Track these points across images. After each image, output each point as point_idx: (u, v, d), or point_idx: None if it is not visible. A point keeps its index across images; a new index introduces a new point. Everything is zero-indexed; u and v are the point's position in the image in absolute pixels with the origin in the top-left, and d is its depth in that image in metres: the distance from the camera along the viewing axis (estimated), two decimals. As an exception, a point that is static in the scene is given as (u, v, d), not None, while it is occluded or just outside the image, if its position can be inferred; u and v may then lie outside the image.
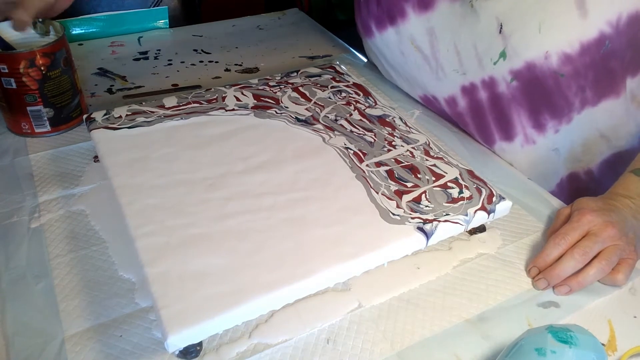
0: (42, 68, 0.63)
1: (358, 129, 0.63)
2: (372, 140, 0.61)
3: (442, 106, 0.72)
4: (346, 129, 0.63)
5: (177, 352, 0.43)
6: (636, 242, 0.52)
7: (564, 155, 0.66)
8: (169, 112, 0.65)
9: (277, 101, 0.68)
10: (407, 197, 0.53)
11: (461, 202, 0.53)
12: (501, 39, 0.60)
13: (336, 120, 0.65)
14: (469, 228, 0.52)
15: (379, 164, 0.58)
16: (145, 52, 0.91)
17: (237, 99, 0.68)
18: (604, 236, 0.50)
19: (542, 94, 0.60)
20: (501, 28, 0.59)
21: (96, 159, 0.65)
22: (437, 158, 0.59)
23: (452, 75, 0.67)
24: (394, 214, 0.51)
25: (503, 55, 0.60)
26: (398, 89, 0.81)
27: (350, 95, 0.70)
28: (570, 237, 0.51)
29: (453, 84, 0.68)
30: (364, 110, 0.67)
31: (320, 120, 0.65)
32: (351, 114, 0.66)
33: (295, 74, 0.74)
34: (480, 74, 0.64)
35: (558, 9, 0.56)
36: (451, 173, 0.56)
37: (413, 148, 0.60)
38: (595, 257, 0.50)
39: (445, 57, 0.66)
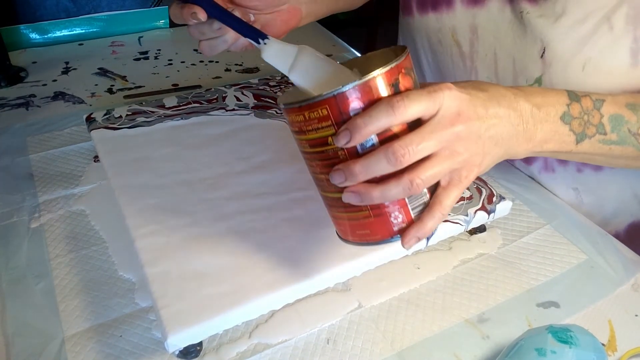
0: None
1: (358, 128, 0.63)
2: (372, 140, 0.61)
3: None
4: (346, 128, 0.63)
5: (177, 352, 0.43)
6: (485, 158, 0.40)
7: (586, 203, 0.62)
8: (169, 112, 0.65)
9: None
10: (407, 197, 0.53)
11: (461, 202, 0.53)
12: (541, 63, 0.55)
13: (336, 120, 0.65)
14: (469, 228, 0.52)
15: (379, 164, 0.58)
16: (146, 52, 0.91)
17: (237, 99, 0.68)
18: (448, 135, 0.36)
19: None
20: (544, 52, 0.54)
21: (96, 159, 0.65)
22: (437, 158, 0.59)
23: (484, 81, 0.63)
24: (394, 214, 0.51)
25: (539, 81, 0.55)
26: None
27: (351, 95, 0.70)
28: (409, 108, 0.35)
29: None
30: (364, 110, 0.67)
31: (321, 120, 0.65)
32: (351, 114, 0.66)
33: (295, 73, 0.74)
34: None
35: (610, 51, 0.51)
36: (451, 173, 0.56)
37: (413, 148, 0.60)
38: (423, 161, 0.36)
39: (482, 62, 0.62)
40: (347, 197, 0.37)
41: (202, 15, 0.45)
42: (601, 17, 0.51)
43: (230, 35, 0.48)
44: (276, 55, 0.45)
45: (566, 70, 0.53)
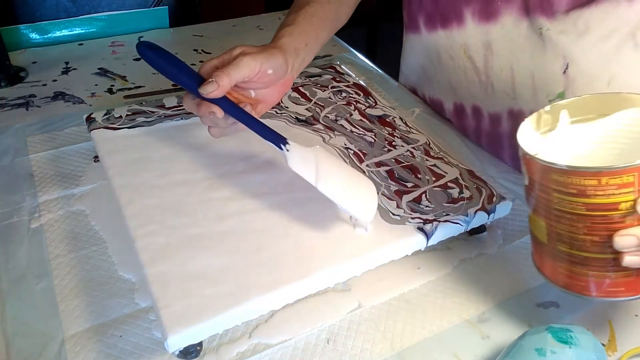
0: None
1: (358, 129, 0.63)
2: (372, 140, 0.61)
3: (482, 120, 0.67)
4: (346, 129, 0.63)
5: (177, 352, 0.43)
6: None
7: None
8: (169, 112, 0.65)
9: (277, 101, 0.68)
10: (407, 197, 0.53)
11: (461, 202, 0.53)
12: (564, 79, 0.54)
13: (336, 120, 0.65)
14: (469, 228, 0.52)
15: (379, 164, 0.58)
16: (146, 52, 0.91)
17: (237, 99, 0.68)
18: None
19: None
20: (567, 68, 0.54)
21: (96, 159, 0.65)
22: (437, 158, 0.59)
23: (501, 95, 0.62)
24: (394, 214, 0.51)
25: (561, 96, 0.55)
26: (398, 89, 0.81)
27: (351, 95, 0.70)
28: None
29: (501, 103, 0.63)
30: (364, 110, 0.67)
31: (321, 120, 0.65)
32: (351, 114, 0.66)
33: (295, 74, 0.74)
34: (533, 105, 0.59)
35: (637, 67, 0.51)
36: (451, 173, 0.56)
37: (413, 148, 0.60)
38: None
39: (498, 77, 0.61)
40: (631, 262, 0.37)
41: (220, 114, 0.48)
42: (626, 34, 0.50)
43: (241, 126, 0.50)
44: (301, 163, 0.48)
45: (591, 85, 0.53)
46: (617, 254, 0.38)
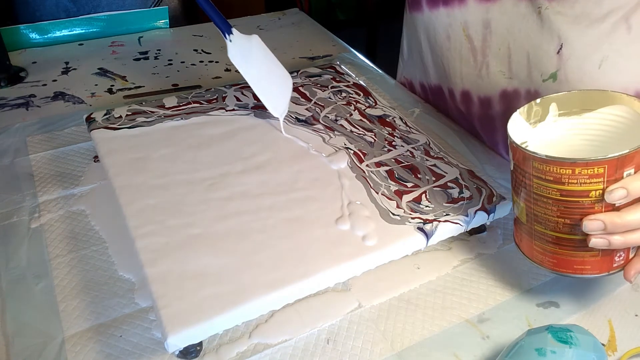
0: None
1: (358, 129, 0.63)
2: (372, 140, 0.61)
3: (472, 105, 0.68)
4: (346, 129, 0.63)
5: (177, 352, 0.43)
6: None
7: None
8: (169, 112, 0.65)
9: (277, 101, 0.68)
10: (407, 197, 0.53)
11: (461, 202, 0.53)
12: (557, 59, 0.55)
13: (336, 120, 0.65)
14: (469, 228, 0.52)
15: (379, 164, 0.58)
16: (146, 52, 0.91)
17: (237, 99, 0.68)
18: None
19: None
20: (560, 48, 0.55)
21: (96, 159, 0.65)
22: (437, 158, 0.59)
23: (496, 76, 0.63)
24: (394, 214, 0.51)
25: (554, 77, 0.56)
26: (398, 89, 0.81)
27: (351, 95, 0.70)
28: None
29: (494, 85, 0.64)
30: (364, 110, 0.67)
31: (320, 120, 0.65)
32: (351, 114, 0.66)
33: (295, 74, 0.74)
34: (528, 84, 0.60)
35: (628, 50, 0.52)
36: (451, 173, 0.56)
37: (413, 148, 0.60)
38: None
39: (495, 56, 0.62)
40: (597, 243, 0.41)
41: None
42: (620, 17, 0.51)
43: None
44: (238, 54, 0.56)
45: (583, 67, 0.54)
46: (585, 236, 0.42)
